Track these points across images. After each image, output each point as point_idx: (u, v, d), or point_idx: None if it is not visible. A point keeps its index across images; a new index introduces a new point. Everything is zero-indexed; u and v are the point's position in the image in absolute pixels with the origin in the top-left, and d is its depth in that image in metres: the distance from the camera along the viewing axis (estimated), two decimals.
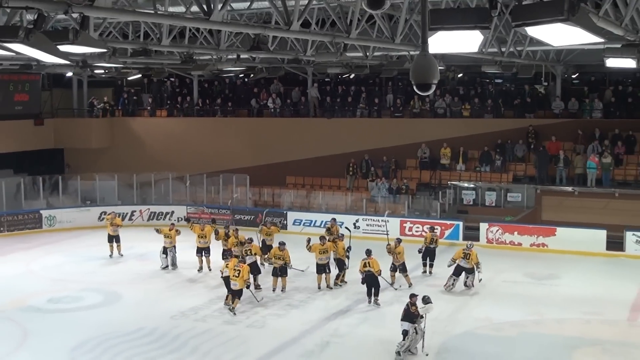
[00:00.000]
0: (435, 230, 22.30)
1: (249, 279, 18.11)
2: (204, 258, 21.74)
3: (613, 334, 16.49)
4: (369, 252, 18.49)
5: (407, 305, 14.75)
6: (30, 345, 15.75)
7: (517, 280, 20.98)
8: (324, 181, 31.87)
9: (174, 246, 22.02)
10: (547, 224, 25.66)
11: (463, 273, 19.53)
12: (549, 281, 20.97)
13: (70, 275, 21.75)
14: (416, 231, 25.43)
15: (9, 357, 14.98)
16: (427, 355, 14.61)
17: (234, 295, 17.80)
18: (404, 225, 25.85)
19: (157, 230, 22.29)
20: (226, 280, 18.09)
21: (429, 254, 21.39)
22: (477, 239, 23.78)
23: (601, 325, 17.07)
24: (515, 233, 24.97)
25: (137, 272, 22.01)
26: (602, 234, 23.86)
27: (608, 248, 23.72)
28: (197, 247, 21.77)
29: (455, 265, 19.55)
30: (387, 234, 20.95)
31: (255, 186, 31.04)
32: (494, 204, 28.15)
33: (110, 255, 23.78)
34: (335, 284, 20.05)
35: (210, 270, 21.53)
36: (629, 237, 23.58)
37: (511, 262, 22.95)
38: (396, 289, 19.26)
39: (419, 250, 21.28)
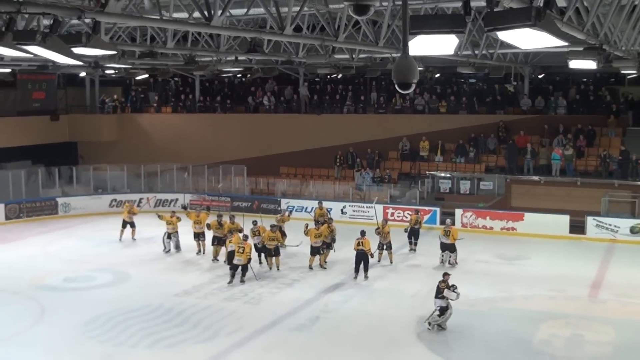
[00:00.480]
0: (419, 213, 22.54)
1: (250, 252, 18.18)
2: (200, 242, 21.70)
3: (575, 308, 16.59)
4: (363, 233, 18.85)
5: (439, 282, 14.82)
6: (47, 320, 15.73)
7: (489, 261, 21.07)
8: (314, 171, 31.87)
9: (177, 231, 21.97)
10: (516, 210, 25.69)
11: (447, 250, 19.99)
12: (517, 261, 21.08)
13: (84, 257, 21.69)
14: (398, 216, 25.54)
15: (28, 330, 14.97)
16: (429, 329, 14.68)
17: (235, 268, 18.02)
18: (387, 210, 25.89)
19: (159, 216, 22.29)
20: (231, 254, 18.13)
21: (413, 234, 21.87)
22: (452, 223, 23.86)
23: (565, 301, 17.17)
24: (487, 218, 25.07)
25: (144, 254, 21.96)
26: (565, 219, 23.97)
27: (571, 232, 23.85)
28: (194, 232, 21.68)
29: (439, 242, 20.09)
30: (376, 218, 21.17)
31: (252, 176, 30.98)
32: (468, 192, 28.22)
33: (120, 239, 23.73)
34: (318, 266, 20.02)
35: (205, 253, 21.51)
36: (590, 221, 23.72)
37: (484, 244, 23.03)
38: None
39: (404, 230, 21.75)
